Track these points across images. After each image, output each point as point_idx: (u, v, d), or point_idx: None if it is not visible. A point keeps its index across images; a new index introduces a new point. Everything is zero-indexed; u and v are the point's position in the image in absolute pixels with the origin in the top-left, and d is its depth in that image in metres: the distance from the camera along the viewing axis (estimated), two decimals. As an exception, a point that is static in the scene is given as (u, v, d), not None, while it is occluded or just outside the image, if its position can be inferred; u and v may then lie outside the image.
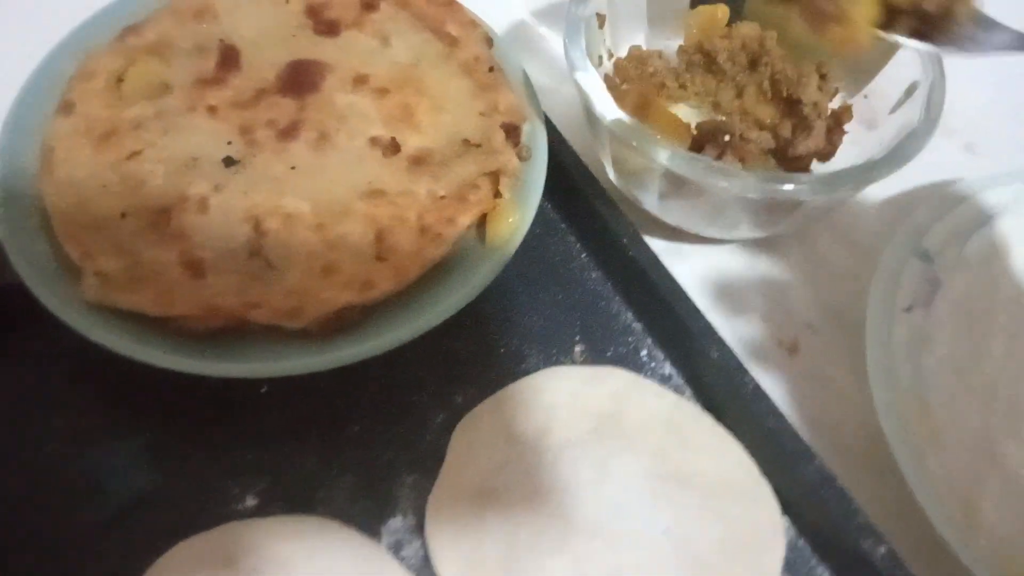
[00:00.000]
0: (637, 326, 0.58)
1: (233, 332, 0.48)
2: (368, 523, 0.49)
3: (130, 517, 0.48)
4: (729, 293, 0.61)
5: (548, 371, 0.55)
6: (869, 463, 0.53)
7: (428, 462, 0.51)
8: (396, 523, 0.49)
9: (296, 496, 0.49)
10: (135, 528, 0.47)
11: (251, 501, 0.49)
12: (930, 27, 0.45)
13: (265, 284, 0.48)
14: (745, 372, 0.52)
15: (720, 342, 0.53)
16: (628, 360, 0.57)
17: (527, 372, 0.55)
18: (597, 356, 0.57)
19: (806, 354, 0.59)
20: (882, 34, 0.43)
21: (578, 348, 0.57)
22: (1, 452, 0.49)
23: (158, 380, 0.51)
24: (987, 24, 0.46)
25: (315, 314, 0.48)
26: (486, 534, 0.48)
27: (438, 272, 0.52)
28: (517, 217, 0.53)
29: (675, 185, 0.56)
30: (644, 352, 0.57)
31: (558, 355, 0.56)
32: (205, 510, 0.48)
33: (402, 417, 0.53)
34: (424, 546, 0.48)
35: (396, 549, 0.48)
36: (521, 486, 0.49)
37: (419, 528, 0.49)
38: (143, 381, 0.52)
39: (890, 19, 0.43)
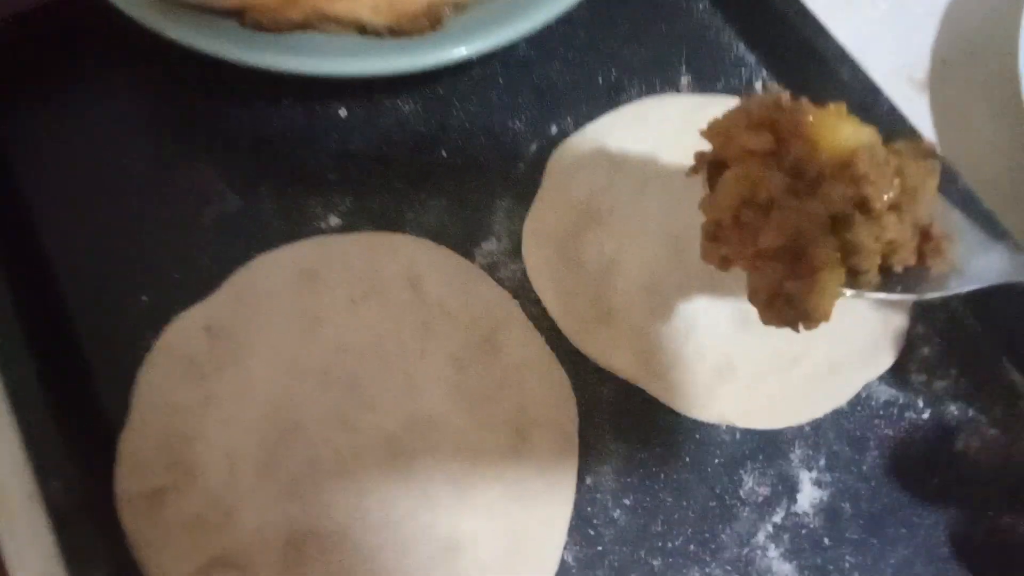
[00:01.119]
0: (750, 57, 0.52)
1: (313, 29, 0.43)
2: (461, 245, 0.45)
3: (212, 233, 0.45)
4: (854, 28, 0.54)
5: (654, 98, 0.50)
6: (1017, 202, 0.47)
7: (522, 189, 0.47)
8: (490, 246, 0.45)
9: (383, 216, 0.46)
10: (217, 242, 0.45)
11: (335, 220, 0.46)
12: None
13: (347, -24, 0.44)
14: (879, 92, 0.47)
15: (852, 62, 0.47)
16: (740, 92, 0.51)
17: (628, 103, 0.50)
18: (706, 89, 0.51)
19: (940, 90, 0.52)
20: (850, 294, 0.34)
21: (684, 79, 0.51)
22: (88, 178, 0.46)
23: (232, 104, 0.48)
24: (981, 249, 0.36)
25: (403, 9, 0.43)
26: (587, 256, 0.44)
27: (535, -22, 0.46)
28: (624, -86, 0.47)
29: None
30: (758, 84, 0.51)
31: (662, 86, 0.51)
32: (288, 227, 0.45)
33: (493, 145, 0.48)
34: (521, 269, 0.45)
35: (491, 271, 0.45)
36: (626, 208, 0.45)
37: (515, 252, 0.45)
38: (221, 101, 0.48)
39: (852, 276, 0.34)
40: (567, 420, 0.41)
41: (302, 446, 0.39)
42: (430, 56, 0.43)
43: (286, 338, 0.41)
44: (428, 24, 0.43)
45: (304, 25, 0.43)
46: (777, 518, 0.40)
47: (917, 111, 0.52)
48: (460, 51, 0.44)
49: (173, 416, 0.40)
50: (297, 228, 0.45)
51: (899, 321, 0.44)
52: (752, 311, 0.42)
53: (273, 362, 0.41)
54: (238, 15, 0.43)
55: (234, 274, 0.43)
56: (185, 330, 0.42)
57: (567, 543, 0.39)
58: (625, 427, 0.41)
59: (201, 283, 0.43)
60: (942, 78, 0.53)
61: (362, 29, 0.43)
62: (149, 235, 0.45)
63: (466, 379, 0.41)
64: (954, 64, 0.53)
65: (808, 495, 0.40)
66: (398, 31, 0.43)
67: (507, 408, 0.41)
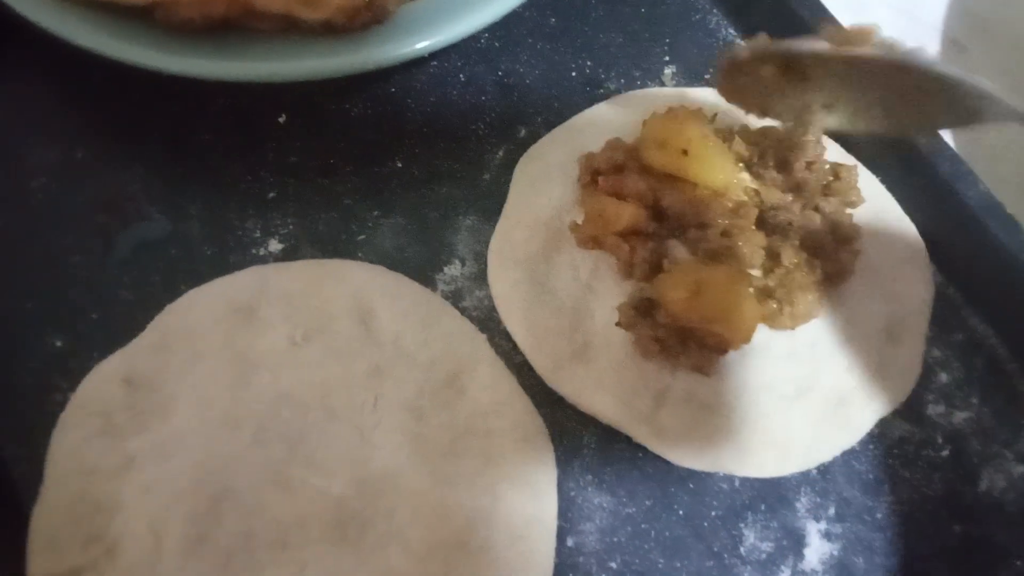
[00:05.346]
0: (741, 44, 0.46)
1: (237, 28, 0.37)
2: (420, 271, 0.40)
3: (135, 263, 0.39)
4: (855, 8, 0.48)
5: (635, 93, 0.44)
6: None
7: (488, 202, 0.42)
8: (454, 271, 0.40)
9: (330, 240, 0.40)
10: (141, 275, 0.39)
11: (275, 246, 0.40)
12: None
13: (275, -37, 0.37)
14: (888, 82, 0.41)
15: (855, 47, 0.42)
16: (730, 84, 0.45)
17: (604, 99, 0.44)
18: (692, 80, 0.46)
19: (953, 75, 0.47)
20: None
21: (668, 71, 0.46)
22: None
23: (155, 105, 0.42)
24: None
25: (341, 1, 0.37)
26: (559, 282, 0.39)
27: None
28: None
29: None
30: (750, 74, 0.46)
31: (643, 79, 0.45)
32: (221, 255, 0.40)
33: (455, 152, 0.43)
34: (489, 295, 0.39)
35: (455, 300, 0.39)
36: (606, 222, 0.40)
37: (481, 276, 0.40)
38: (141, 106, 0.43)
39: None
40: (543, 474, 0.36)
41: (236, 515, 0.34)
42: (372, 54, 0.38)
43: (217, 387, 0.36)
44: (371, 18, 0.37)
45: (226, 23, 0.37)
46: (783, 578, 0.35)
47: (926, 99, 0.46)
48: (408, 48, 0.38)
49: (90, 483, 0.35)
50: (232, 256, 0.40)
51: (913, 345, 0.39)
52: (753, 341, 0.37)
53: (202, 416, 0.36)
54: (148, 12, 0.37)
55: (160, 314, 0.38)
56: (102, 383, 0.36)
57: (547, 617, 0.34)
58: (610, 478, 0.37)
59: (123, 324, 0.38)
60: (953, 62, 0.48)
61: (295, 26, 0.37)
62: (60, 263, 0.39)
63: (426, 430, 0.36)
64: (966, 46, 0.48)
65: (817, 550, 0.36)
66: (336, 27, 0.37)
67: (474, 463, 0.35)
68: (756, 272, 0.37)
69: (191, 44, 0.37)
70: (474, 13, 0.39)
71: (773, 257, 0.37)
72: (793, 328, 0.37)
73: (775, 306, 0.37)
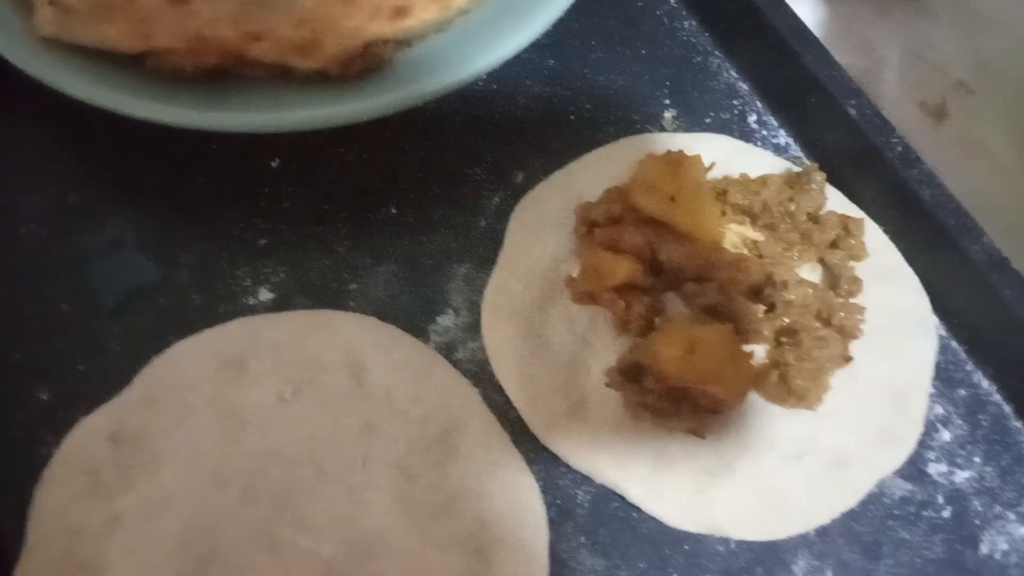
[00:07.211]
0: (743, 87, 0.46)
1: (229, 76, 0.37)
2: (412, 321, 0.39)
3: (123, 312, 0.39)
4: (860, 48, 0.48)
5: (632, 139, 0.44)
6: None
7: (483, 250, 0.41)
8: (447, 321, 0.39)
9: (322, 289, 0.40)
10: (129, 324, 0.39)
11: (266, 295, 0.39)
12: None
13: (270, 11, 0.37)
14: (892, 130, 0.41)
15: (859, 93, 0.41)
16: (732, 128, 0.45)
17: (603, 143, 0.44)
18: (693, 124, 0.45)
19: (958, 119, 0.47)
20: None
21: (668, 114, 0.45)
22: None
23: (148, 149, 0.42)
24: None
25: (335, 50, 0.37)
26: (555, 335, 0.38)
27: (491, 8, 0.40)
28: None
29: None
30: (753, 118, 0.45)
31: (643, 123, 0.45)
32: (211, 305, 0.39)
33: (451, 198, 0.42)
34: (481, 347, 0.39)
35: (448, 351, 0.39)
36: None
37: (475, 327, 0.39)
38: (133, 150, 0.42)
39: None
40: (535, 536, 0.35)
41: (223, 577, 0.34)
42: (368, 104, 0.37)
43: (205, 444, 0.35)
44: (366, 67, 0.37)
45: (219, 71, 0.36)
46: (779, 645, 0.35)
47: (932, 144, 0.45)
48: (404, 97, 0.37)
49: (75, 543, 0.34)
50: (222, 305, 0.39)
51: (916, 402, 0.38)
52: (751, 402, 0.37)
53: (190, 474, 0.35)
54: (139, 63, 0.36)
55: (147, 367, 0.37)
56: (88, 439, 0.36)
57: None
58: (603, 540, 0.36)
59: (111, 375, 0.37)
60: (959, 105, 0.47)
61: (288, 74, 0.37)
62: (49, 312, 0.39)
63: (417, 490, 0.35)
64: (973, 88, 0.47)
65: (814, 616, 0.35)
66: (331, 76, 0.37)
67: (465, 524, 0.35)
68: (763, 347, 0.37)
69: (183, 93, 0.36)
70: (472, 60, 0.38)
71: (783, 334, 0.37)
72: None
73: (780, 386, 0.36)
